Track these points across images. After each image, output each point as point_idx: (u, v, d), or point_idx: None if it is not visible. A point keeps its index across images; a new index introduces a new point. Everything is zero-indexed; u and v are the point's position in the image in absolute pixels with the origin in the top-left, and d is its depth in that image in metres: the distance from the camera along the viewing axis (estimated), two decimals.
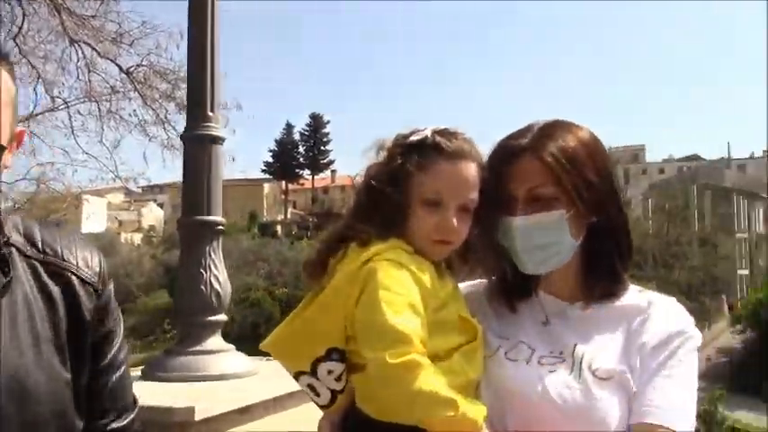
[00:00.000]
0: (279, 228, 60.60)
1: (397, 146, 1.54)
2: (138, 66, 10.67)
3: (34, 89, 10.29)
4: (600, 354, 1.49)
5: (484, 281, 1.72)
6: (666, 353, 1.48)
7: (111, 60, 10.61)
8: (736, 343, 37.10)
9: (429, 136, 1.52)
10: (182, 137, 4.39)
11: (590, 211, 1.55)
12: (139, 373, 3.98)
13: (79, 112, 10.98)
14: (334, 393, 1.50)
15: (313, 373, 1.48)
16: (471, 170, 1.53)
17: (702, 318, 34.96)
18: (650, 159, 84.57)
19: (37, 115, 10.75)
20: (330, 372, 1.47)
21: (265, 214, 70.20)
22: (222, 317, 4.09)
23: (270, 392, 3.58)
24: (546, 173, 1.52)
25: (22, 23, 9.47)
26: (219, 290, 4.04)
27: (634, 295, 1.59)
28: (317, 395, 1.51)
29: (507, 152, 1.57)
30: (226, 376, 3.86)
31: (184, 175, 4.14)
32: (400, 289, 1.38)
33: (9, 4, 9.06)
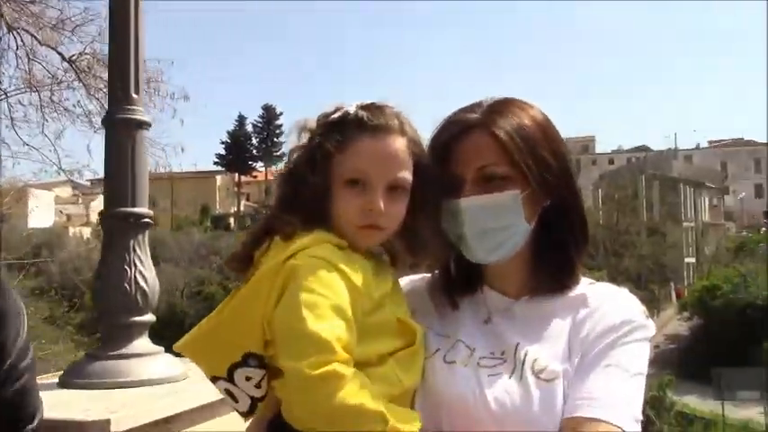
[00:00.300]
0: (232, 220, 60.10)
1: (318, 126, 1.45)
2: (80, 54, 10.44)
3: None
4: (544, 353, 1.40)
5: (428, 275, 1.63)
6: (608, 341, 1.39)
7: (53, 48, 10.40)
8: (683, 330, 38.23)
9: (351, 111, 1.42)
10: (103, 121, 4.04)
11: (544, 194, 1.46)
12: (57, 380, 3.63)
13: (20, 102, 10.68)
14: (254, 400, 1.42)
15: (230, 378, 1.39)
16: (399, 145, 1.43)
17: (651, 305, 36.20)
18: (600, 150, 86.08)
19: None
20: (248, 378, 1.39)
21: (218, 207, 69.47)
22: (149, 317, 3.77)
23: (200, 399, 3.28)
24: (498, 150, 1.43)
25: None
26: (146, 288, 3.72)
27: (584, 288, 1.51)
28: (236, 401, 1.42)
29: (455, 128, 1.48)
30: (152, 381, 3.54)
31: (106, 164, 3.81)
32: (324, 290, 1.29)
33: None
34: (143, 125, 3.78)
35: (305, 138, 1.45)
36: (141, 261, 3.72)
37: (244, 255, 1.44)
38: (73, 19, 10.16)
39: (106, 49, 9.92)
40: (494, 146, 1.44)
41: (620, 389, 1.34)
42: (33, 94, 10.56)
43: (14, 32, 9.94)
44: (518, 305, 1.50)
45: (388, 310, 1.42)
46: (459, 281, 1.56)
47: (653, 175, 54.28)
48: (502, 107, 1.49)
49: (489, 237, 1.45)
